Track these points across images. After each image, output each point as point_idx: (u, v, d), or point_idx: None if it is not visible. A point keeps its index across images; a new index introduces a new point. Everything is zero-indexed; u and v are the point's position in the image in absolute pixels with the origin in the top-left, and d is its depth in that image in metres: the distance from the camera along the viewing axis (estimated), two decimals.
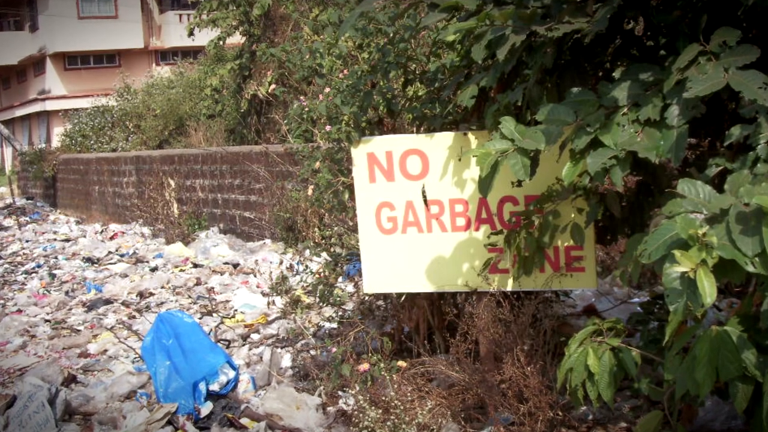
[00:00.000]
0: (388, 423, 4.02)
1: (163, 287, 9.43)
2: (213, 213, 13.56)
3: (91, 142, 23.49)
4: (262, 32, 15.86)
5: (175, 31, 33.19)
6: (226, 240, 12.35)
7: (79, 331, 7.74)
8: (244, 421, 4.88)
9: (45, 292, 9.96)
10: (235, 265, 10.38)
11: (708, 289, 2.27)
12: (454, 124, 4.39)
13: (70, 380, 5.97)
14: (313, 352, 5.55)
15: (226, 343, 6.61)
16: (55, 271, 11.45)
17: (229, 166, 12.86)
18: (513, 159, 3.02)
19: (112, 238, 14.95)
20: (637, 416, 3.97)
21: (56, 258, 12.89)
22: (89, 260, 12.15)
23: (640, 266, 2.71)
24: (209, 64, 18.74)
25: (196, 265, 10.77)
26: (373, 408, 4.10)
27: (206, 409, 5.14)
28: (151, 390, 5.47)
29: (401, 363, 4.56)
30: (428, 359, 4.36)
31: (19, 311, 8.87)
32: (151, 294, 9.17)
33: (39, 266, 12.13)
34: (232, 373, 5.36)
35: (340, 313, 5.65)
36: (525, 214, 3.76)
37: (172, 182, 14.69)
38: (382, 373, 4.43)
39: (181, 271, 10.53)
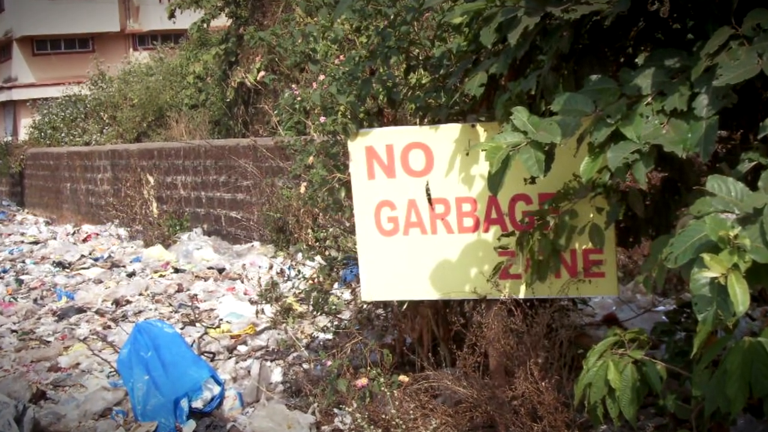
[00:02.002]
0: None
1: (141, 294, 9.43)
2: (196, 213, 13.57)
3: (62, 134, 23.50)
4: (250, 14, 15.86)
5: (154, 13, 33.18)
6: (210, 242, 12.35)
7: (48, 342, 7.74)
8: None
9: (11, 299, 9.95)
10: (221, 270, 10.38)
11: (740, 296, 2.27)
12: (461, 114, 4.39)
13: (39, 396, 5.97)
14: (306, 366, 5.55)
15: (211, 355, 6.61)
16: (22, 277, 11.45)
17: (214, 161, 12.86)
18: (526, 153, 3.02)
19: (85, 240, 14.95)
20: None
21: (24, 262, 12.89)
22: (60, 264, 12.14)
23: (665, 271, 2.71)
24: (192, 49, 18.73)
25: (177, 270, 10.77)
26: (372, 427, 4.10)
27: (189, 428, 5.14)
28: (128, 407, 5.48)
29: (403, 377, 4.56)
30: (433, 373, 4.36)
31: None
32: (128, 302, 9.17)
33: (5, 271, 12.13)
34: (217, 389, 5.36)
35: (335, 323, 5.66)
36: (539, 214, 3.76)
37: (151, 179, 14.69)
38: (382, 388, 4.43)
39: (161, 276, 10.53)
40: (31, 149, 24.09)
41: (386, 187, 4.30)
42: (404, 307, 4.93)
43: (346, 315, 5.75)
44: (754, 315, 5.03)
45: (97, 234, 15.49)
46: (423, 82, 4.87)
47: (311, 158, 5.16)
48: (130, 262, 11.79)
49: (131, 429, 5.16)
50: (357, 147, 4.35)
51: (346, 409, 4.59)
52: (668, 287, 6.04)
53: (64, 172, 20.25)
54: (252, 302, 7.98)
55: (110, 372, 6.36)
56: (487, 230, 4.14)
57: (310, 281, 5.68)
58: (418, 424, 4.11)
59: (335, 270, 5.52)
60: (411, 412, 4.17)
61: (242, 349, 6.78)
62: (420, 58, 4.86)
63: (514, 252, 3.92)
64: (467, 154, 4.07)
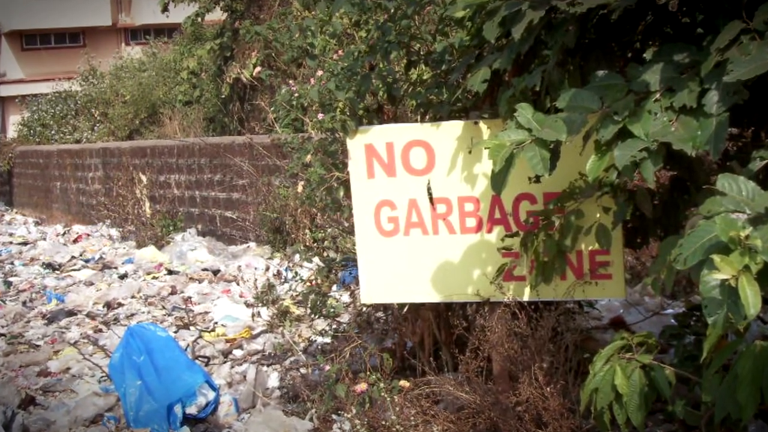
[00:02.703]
0: None
1: (133, 297, 9.43)
2: (190, 213, 13.57)
3: (52, 132, 23.50)
4: (246, 7, 15.86)
5: (147, 7, 33.15)
6: (204, 243, 12.35)
7: (38, 346, 7.74)
8: None
9: None
10: (215, 272, 10.38)
11: (751, 298, 2.27)
12: (463, 111, 4.39)
13: (29, 402, 5.97)
14: (303, 371, 5.55)
15: (205, 360, 6.62)
16: (10, 279, 11.45)
17: (209, 160, 12.86)
18: (530, 151, 3.02)
19: (75, 241, 14.95)
20: None
21: (12, 263, 12.89)
22: (50, 266, 12.15)
23: (674, 273, 2.70)
24: (186, 44, 18.74)
25: (170, 272, 10.77)
26: None
27: None
28: (120, 413, 5.48)
29: (404, 383, 4.56)
30: (434, 378, 4.36)
31: None
32: (120, 304, 9.17)
33: None
34: (211, 394, 5.36)
35: (334, 327, 5.65)
36: (544, 214, 3.76)
37: (143, 178, 14.69)
38: (382, 394, 4.43)
39: (154, 278, 10.53)
40: (20, 147, 24.09)
41: (386, 186, 4.30)
42: (405, 310, 4.93)
43: (344, 318, 5.75)
44: (766, 318, 5.03)
45: (88, 234, 15.49)
46: (424, 77, 4.87)
47: (309, 156, 5.16)
48: (122, 263, 11.79)
49: None
50: (356, 145, 4.35)
51: (345, 415, 4.59)
52: (677, 289, 6.03)
53: (54, 170, 20.24)
54: (248, 305, 7.97)
55: (101, 377, 6.36)
56: (490, 231, 4.14)
57: (308, 283, 5.67)
58: (419, 430, 4.10)
59: (334, 272, 5.51)
60: (412, 418, 4.17)
61: (238, 353, 6.78)
62: (421, 53, 4.85)
63: (518, 253, 3.92)
64: (470, 152, 4.07)
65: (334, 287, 5.62)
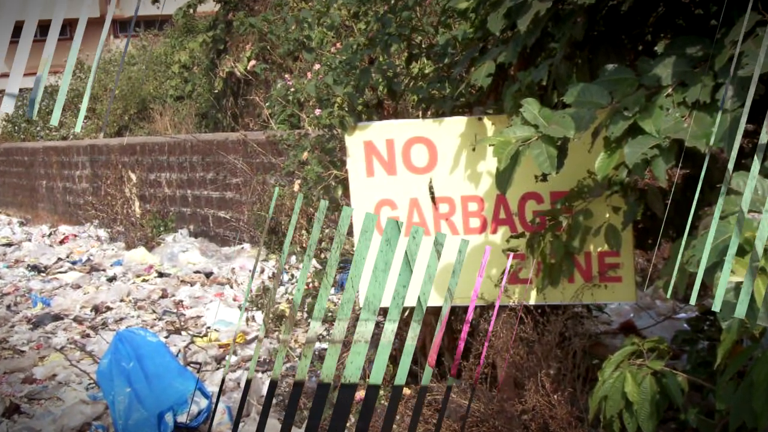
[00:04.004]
0: None
1: (122, 300, 9.44)
2: (182, 212, 13.57)
3: (38, 128, 23.51)
4: None
5: None
6: (197, 244, 12.36)
7: (23, 352, 7.74)
8: None
9: None
10: (208, 275, 10.38)
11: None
12: (466, 107, 4.40)
13: (13, 410, 5.98)
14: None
15: (198, 366, 6.62)
16: None
17: (201, 157, 12.87)
18: (537, 148, 3.03)
19: (62, 242, 14.95)
20: None
21: None
22: (35, 268, 12.15)
23: (687, 276, 2.71)
24: (177, 37, 18.77)
25: (161, 274, 10.77)
26: None
27: None
28: (109, 422, 5.48)
29: (405, 390, 4.57)
30: (436, 385, 4.36)
31: None
32: (109, 308, 9.17)
33: None
34: (204, 402, 5.37)
35: (332, 331, 5.66)
36: (551, 214, 3.76)
37: (133, 176, 14.70)
38: (382, 401, 4.43)
39: (144, 281, 10.54)
40: (4, 144, 24.10)
41: (386, 185, 4.30)
42: (406, 314, 4.94)
43: None
44: None
45: (75, 235, 15.49)
46: (426, 71, 4.87)
47: (306, 154, 5.16)
48: (111, 265, 11.79)
49: None
50: (355, 142, 4.35)
51: None
52: (690, 293, 6.03)
53: (39, 168, 20.25)
54: (242, 309, 7.97)
55: (89, 384, 6.37)
56: (495, 231, 4.14)
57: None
58: None
59: None
60: None
61: (231, 359, 6.78)
62: (423, 46, 4.86)
63: (524, 255, 3.93)
64: (473, 150, 4.08)
65: (332, 290, 5.62)
